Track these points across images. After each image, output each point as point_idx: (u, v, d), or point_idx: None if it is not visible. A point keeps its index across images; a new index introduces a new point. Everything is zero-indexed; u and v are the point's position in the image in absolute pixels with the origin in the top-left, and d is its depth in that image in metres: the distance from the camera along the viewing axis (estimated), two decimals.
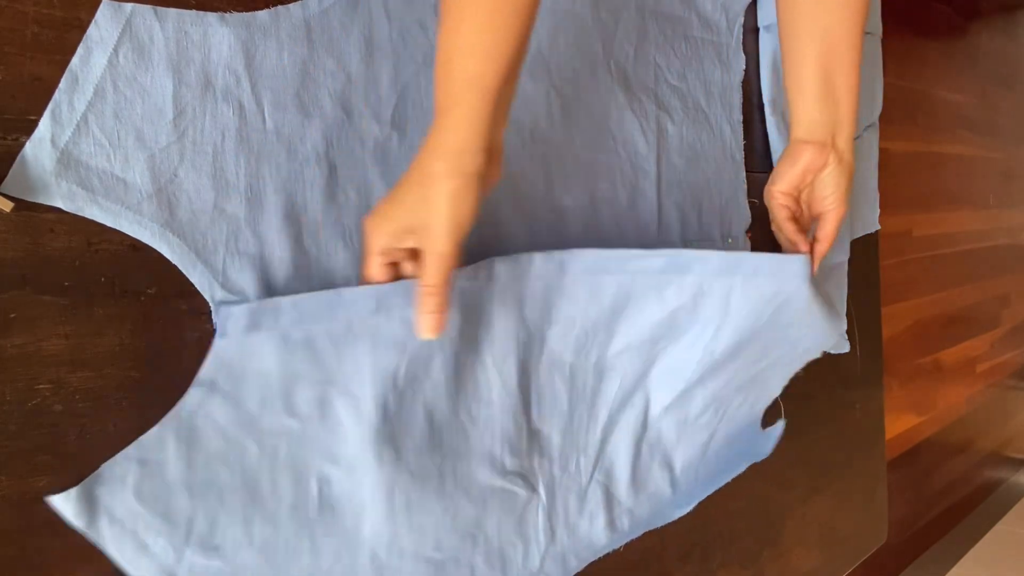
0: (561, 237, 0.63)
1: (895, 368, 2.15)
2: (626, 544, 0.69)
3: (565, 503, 0.62)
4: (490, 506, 0.57)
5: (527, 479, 0.59)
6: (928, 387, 2.36)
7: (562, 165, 0.63)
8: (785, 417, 0.78)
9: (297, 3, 0.50)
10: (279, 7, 0.49)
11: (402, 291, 0.48)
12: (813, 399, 0.89)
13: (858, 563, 1.00)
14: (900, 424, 2.22)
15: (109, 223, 0.43)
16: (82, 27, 0.42)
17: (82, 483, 0.42)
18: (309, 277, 0.50)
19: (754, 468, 0.81)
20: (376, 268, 0.47)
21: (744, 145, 0.79)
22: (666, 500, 0.69)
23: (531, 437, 0.59)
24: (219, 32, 0.47)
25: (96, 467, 0.43)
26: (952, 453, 2.53)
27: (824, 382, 0.91)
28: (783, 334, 0.65)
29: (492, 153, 0.45)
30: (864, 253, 0.96)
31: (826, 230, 0.62)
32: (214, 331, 0.47)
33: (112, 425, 0.43)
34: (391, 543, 0.52)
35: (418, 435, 0.52)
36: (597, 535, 0.64)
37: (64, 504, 0.41)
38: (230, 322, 0.45)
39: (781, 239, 0.65)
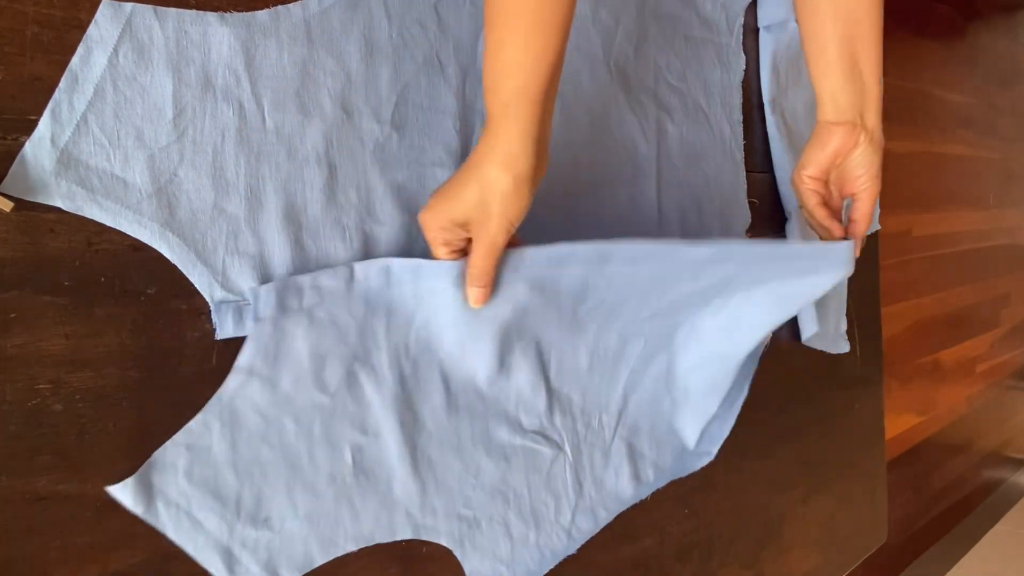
0: (562, 237, 0.63)
1: (895, 368, 2.15)
2: (626, 545, 0.69)
3: (591, 459, 0.65)
4: (514, 465, 0.60)
5: (549, 438, 0.62)
6: (928, 387, 2.36)
7: (562, 165, 0.63)
8: (783, 411, 0.78)
9: (297, 3, 0.50)
10: (279, 7, 0.49)
11: (410, 267, 0.52)
12: (813, 399, 0.89)
13: (858, 563, 1.00)
14: (900, 424, 2.22)
15: (109, 223, 0.43)
16: (82, 27, 0.42)
17: (138, 472, 0.44)
18: None
19: (754, 468, 0.81)
20: (444, 257, 0.52)
21: (744, 145, 0.79)
22: (689, 451, 0.71)
23: (550, 397, 0.61)
24: (219, 32, 0.47)
25: (97, 466, 0.43)
26: (952, 453, 2.53)
27: (824, 382, 0.91)
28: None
29: (539, 155, 0.49)
30: (864, 253, 0.96)
31: (862, 210, 0.62)
32: (214, 331, 0.47)
33: (112, 425, 0.43)
34: (423, 503, 0.55)
35: (436, 399, 0.55)
36: (623, 488, 0.67)
37: (122, 493, 0.43)
38: (261, 302, 0.47)
39: (813, 224, 0.65)
